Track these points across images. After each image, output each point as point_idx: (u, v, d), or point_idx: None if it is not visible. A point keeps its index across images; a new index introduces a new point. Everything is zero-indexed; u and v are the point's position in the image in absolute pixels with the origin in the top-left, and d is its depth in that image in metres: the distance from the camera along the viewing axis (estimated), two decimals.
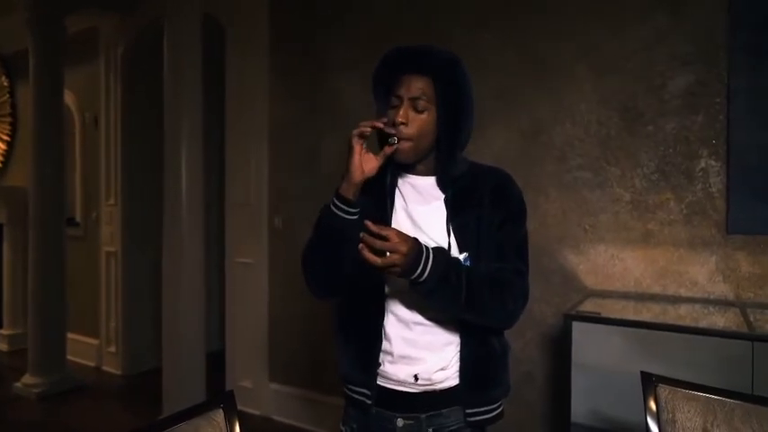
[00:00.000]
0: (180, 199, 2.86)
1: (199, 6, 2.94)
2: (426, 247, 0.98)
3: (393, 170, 1.13)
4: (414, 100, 1.05)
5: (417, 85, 1.05)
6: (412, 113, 1.05)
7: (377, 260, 0.93)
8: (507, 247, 1.09)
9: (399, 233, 0.95)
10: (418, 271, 0.95)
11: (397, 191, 1.14)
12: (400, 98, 1.06)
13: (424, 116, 1.05)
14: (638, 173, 2.06)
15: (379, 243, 0.93)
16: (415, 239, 0.97)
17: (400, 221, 1.10)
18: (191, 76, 2.90)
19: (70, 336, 3.83)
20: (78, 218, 4.32)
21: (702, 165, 1.94)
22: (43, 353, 3.55)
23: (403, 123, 1.04)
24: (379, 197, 1.12)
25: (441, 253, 1.00)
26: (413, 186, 1.13)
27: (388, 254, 0.93)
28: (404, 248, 0.93)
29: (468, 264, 1.06)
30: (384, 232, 0.94)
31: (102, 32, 4.07)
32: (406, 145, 1.06)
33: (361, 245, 0.95)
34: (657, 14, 2.02)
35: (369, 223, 0.95)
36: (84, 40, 4.09)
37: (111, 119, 4.03)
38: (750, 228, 1.85)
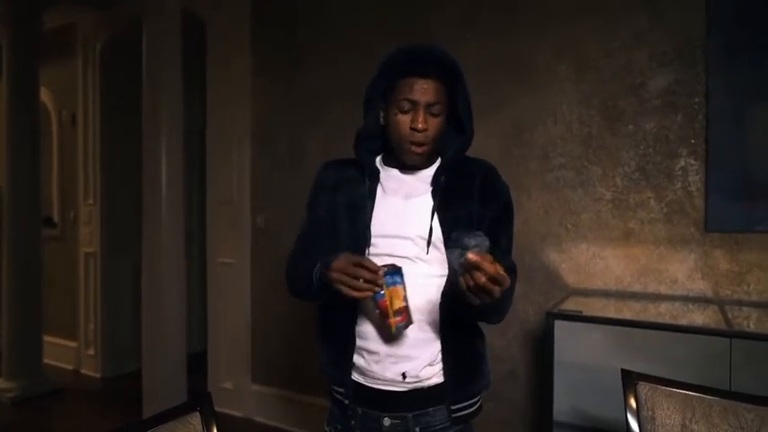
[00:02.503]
0: (160, 198, 2.81)
1: (178, 2, 2.90)
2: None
3: (372, 173, 1.12)
4: (431, 105, 1.03)
5: (434, 90, 1.03)
6: (429, 118, 1.04)
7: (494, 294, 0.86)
8: (501, 245, 1.10)
9: (492, 261, 0.85)
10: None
11: (379, 186, 1.12)
12: (415, 103, 1.03)
13: (438, 120, 1.05)
14: (619, 172, 2.08)
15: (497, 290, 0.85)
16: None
17: (382, 218, 1.09)
18: (170, 73, 2.85)
19: (47, 338, 3.74)
20: (56, 218, 4.23)
21: (682, 164, 1.97)
22: (18, 356, 3.46)
23: (425, 129, 1.03)
24: (360, 196, 1.11)
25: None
26: (397, 180, 1.12)
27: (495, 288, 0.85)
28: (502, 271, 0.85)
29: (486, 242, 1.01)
30: (499, 275, 0.84)
31: (81, 29, 3.98)
32: (423, 149, 1.06)
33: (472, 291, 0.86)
34: (637, 14, 2.04)
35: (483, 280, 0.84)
36: (61, 37, 4.01)
37: (89, 117, 3.95)
38: (728, 225, 1.88)
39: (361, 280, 0.94)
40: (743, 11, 1.85)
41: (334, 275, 0.97)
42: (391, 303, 0.95)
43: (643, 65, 2.03)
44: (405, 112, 1.04)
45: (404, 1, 2.58)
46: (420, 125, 1.02)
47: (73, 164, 4.06)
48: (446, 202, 1.08)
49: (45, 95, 4.07)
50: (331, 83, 2.75)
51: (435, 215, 1.06)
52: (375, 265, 0.95)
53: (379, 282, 0.94)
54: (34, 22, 3.50)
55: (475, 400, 1.13)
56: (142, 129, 2.90)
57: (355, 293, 0.95)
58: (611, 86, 2.09)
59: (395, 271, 0.96)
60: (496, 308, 1.00)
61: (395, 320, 0.96)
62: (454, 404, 1.09)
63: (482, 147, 2.35)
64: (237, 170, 3.13)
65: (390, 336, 1.04)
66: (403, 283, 0.96)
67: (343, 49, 2.72)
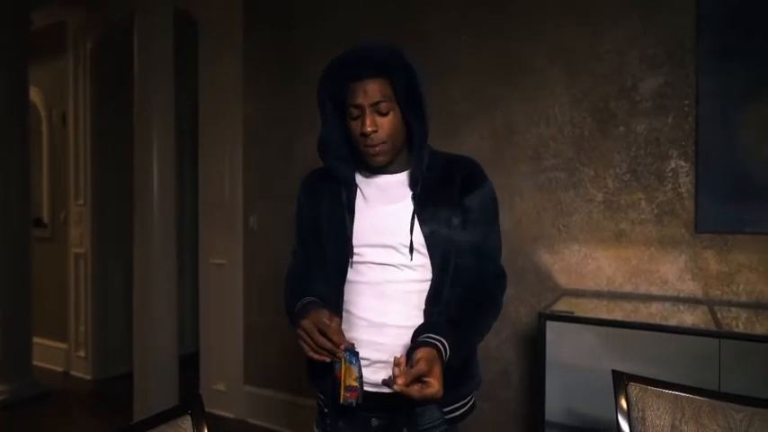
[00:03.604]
0: (151, 199, 2.80)
1: (170, 1, 2.88)
2: (434, 338, 0.96)
3: (347, 183, 1.11)
4: (375, 105, 1.02)
5: (374, 89, 1.02)
6: (378, 118, 1.03)
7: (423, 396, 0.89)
8: (486, 247, 1.10)
9: (426, 361, 0.89)
10: (445, 359, 0.95)
11: (359, 194, 1.11)
12: (360, 107, 1.02)
13: (389, 117, 1.03)
14: (610, 173, 2.09)
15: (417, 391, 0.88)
16: (428, 346, 0.93)
17: (365, 228, 1.08)
18: (162, 73, 2.84)
19: (36, 340, 3.70)
20: (45, 218, 4.19)
21: (672, 165, 1.98)
22: (7, 358, 3.42)
23: (374, 131, 1.02)
24: (341, 200, 1.10)
25: (440, 328, 1.00)
26: (377, 186, 1.11)
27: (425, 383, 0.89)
28: (437, 367, 0.90)
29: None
30: (426, 378, 0.89)
31: (71, 27, 3.95)
32: (381, 148, 1.04)
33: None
34: (628, 17, 2.05)
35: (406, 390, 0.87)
36: (50, 35, 3.97)
37: (79, 116, 3.92)
38: (717, 226, 1.89)
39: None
40: (732, 14, 1.87)
41: (300, 332, 0.99)
42: (344, 378, 0.97)
43: (634, 67, 2.04)
44: (355, 119, 1.04)
45: (397, 3, 2.58)
46: (368, 128, 1.01)
47: (63, 164, 4.03)
48: (427, 205, 1.06)
49: (35, 95, 4.03)
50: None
51: (419, 221, 1.06)
52: (339, 337, 0.96)
53: (339, 355, 0.96)
54: (23, 20, 3.47)
55: (466, 400, 1.14)
56: (133, 128, 2.88)
57: (315, 356, 0.98)
58: (603, 88, 2.10)
59: (352, 353, 0.98)
60: (471, 348, 1.09)
61: (345, 394, 0.97)
62: (446, 406, 1.09)
63: (474, 148, 2.36)
64: (229, 171, 3.12)
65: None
66: (358, 365, 0.98)
67: (336, 50, 2.69)
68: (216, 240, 3.18)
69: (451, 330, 1.00)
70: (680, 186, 1.97)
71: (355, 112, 1.03)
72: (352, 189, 1.11)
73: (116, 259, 3.86)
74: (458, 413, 1.11)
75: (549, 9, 2.20)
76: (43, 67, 4.00)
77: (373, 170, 1.11)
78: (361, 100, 1.02)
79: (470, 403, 1.15)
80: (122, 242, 3.62)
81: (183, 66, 3.04)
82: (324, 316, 0.98)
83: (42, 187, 4.17)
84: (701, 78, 1.91)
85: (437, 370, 0.90)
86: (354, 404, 0.99)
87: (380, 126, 1.03)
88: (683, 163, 1.96)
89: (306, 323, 0.98)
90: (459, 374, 1.10)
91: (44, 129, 4.19)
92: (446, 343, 0.96)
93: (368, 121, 1.02)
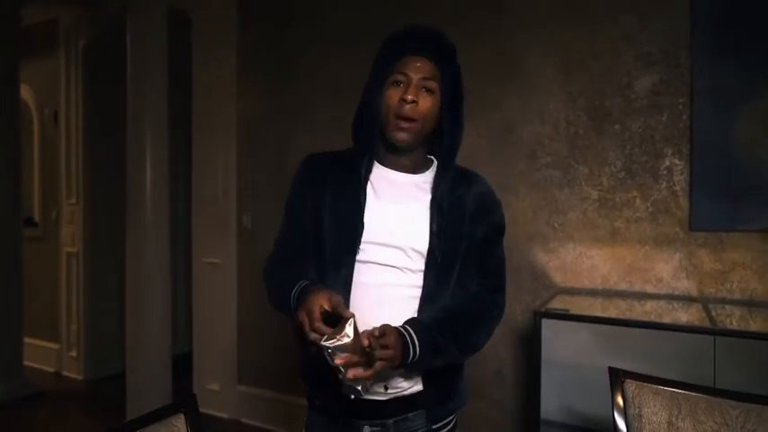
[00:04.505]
0: (144, 197, 2.77)
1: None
2: (403, 327, 0.93)
3: (368, 161, 1.06)
4: (424, 80, 1.00)
5: (427, 67, 1.01)
6: (421, 93, 1.00)
7: (370, 373, 0.85)
8: (490, 264, 1.09)
9: (387, 331, 0.87)
10: (411, 353, 0.91)
11: (369, 186, 1.05)
12: (407, 76, 1.00)
13: (431, 99, 1.01)
14: (605, 171, 2.09)
15: (379, 354, 0.85)
16: (390, 327, 0.90)
17: (373, 223, 1.02)
18: (156, 71, 2.82)
19: (27, 340, 3.66)
20: (37, 217, 4.15)
21: (667, 163, 1.99)
22: None
23: (414, 101, 0.99)
24: (350, 192, 1.04)
25: (417, 323, 0.96)
26: (389, 182, 1.06)
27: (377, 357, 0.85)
28: (392, 339, 0.87)
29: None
30: (382, 341, 0.85)
31: (62, 24, 3.91)
32: (411, 125, 1.00)
33: (347, 373, 0.84)
34: (624, 15, 2.05)
35: (366, 342, 0.84)
36: (42, 33, 3.93)
37: (71, 114, 3.87)
38: (712, 224, 1.90)
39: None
40: (727, 13, 1.88)
41: (301, 316, 0.89)
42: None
43: (629, 65, 2.04)
44: (397, 85, 1.01)
45: (394, 1, 2.57)
46: (409, 96, 0.99)
47: (55, 162, 3.99)
48: (440, 212, 1.03)
49: (26, 93, 3.99)
50: (318, 83, 2.74)
51: (432, 226, 1.02)
52: (345, 311, 0.88)
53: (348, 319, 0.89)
54: (13, 16, 3.43)
55: (451, 417, 1.11)
56: (126, 127, 2.85)
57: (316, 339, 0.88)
58: (598, 87, 2.10)
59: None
60: (447, 359, 1.01)
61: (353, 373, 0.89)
62: (434, 423, 1.06)
63: (471, 146, 2.36)
64: (223, 170, 3.10)
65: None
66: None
67: (330, 49, 2.70)
68: (209, 239, 3.16)
69: (430, 332, 0.96)
70: (674, 184, 1.97)
71: (401, 78, 1.01)
72: (369, 173, 1.05)
73: (108, 259, 3.82)
74: (444, 430, 1.09)
75: (545, 8, 2.20)
76: (35, 65, 3.95)
77: (386, 162, 1.07)
78: (411, 71, 1.00)
79: (454, 422, 1.12)
80: (115, 241, 3.58)
81: (177, 65, 3.02)
82: (323, 297, 0.89)
83: (33, 186, 4.12)
84: (696, 76, 1.91)
85: (394, 340, 0.88)
86: (367, 387, 0.93)
87: (421, 101, 1.00)
88: (677, 161, 1.97)
89: (306, 307, 0.89)
90: (445, 387, 1.08)
91: (35, 127, 4.14)
92: (416, 338, 0.93)
93: (411, 90, 0.99)
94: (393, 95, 1.01)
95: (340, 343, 0.83)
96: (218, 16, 3.10)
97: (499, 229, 1.12)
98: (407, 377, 1.03)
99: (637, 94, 2.03)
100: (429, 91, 1.01)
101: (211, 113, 3.13)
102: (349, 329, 0.83)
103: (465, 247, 1.05)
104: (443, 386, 1.07)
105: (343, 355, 0.84)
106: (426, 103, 1.01)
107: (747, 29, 1.85)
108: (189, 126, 3.25)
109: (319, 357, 0.86)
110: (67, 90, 3.90)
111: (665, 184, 1.99)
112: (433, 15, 2.45)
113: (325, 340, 0.83)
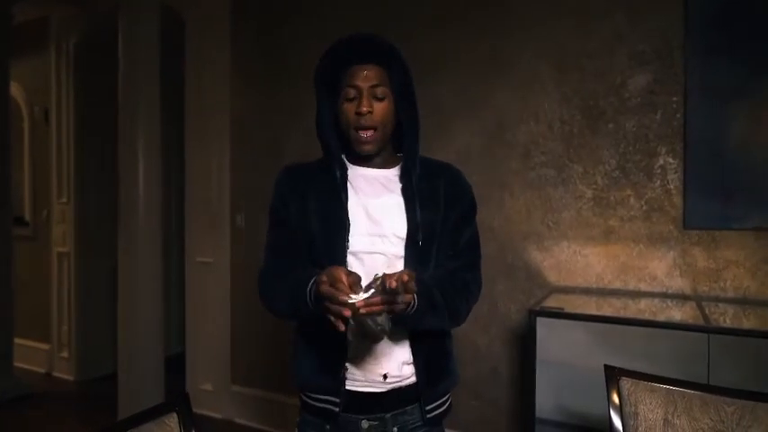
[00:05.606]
0: (136, 197, 2.75)
1: None
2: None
3: (341, 163, 1.11)
4: (373, 88, 1.05)
5: (373, 74, 1.05)
6: (374, 102, 1.05)
7: (400, 308, 0.91)
8: (463, 244, 1.13)
9: (411, 278, 0.89)
10: (411, 303, 0.94)
11: (348, 184, 1.10)
12: (357, 88, 1.04)
13: (384, 103, 1.07)
14: (599, 170, 2.10)
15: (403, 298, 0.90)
16: (413, 273, 0.91)
17: (356, 217, 1.07)
18: (148, 70, 2.79)
19: (18, 341, 3.62)
20: (27, 217, 4.10)
21: (661, 162, 1.99)
22: None
23: (369, 112, 1.04)
24: (331, 193, 1.08)
25: (418, 277, 0.97)
26: (365, 179, 1.11)
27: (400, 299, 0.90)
28: (412, 282, 0.89)
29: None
30: (407, 282, 0.87)
31: (54, 22, 3.87)
32: (373, 135, 1.05)
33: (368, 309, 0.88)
34: (617, 15, 2.06)
35: (392, 283, 0.86)
36: (33, 30, 3.89)
37: (63, 112, 3.83)
38: (705, 223, 1.91)
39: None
40: (720, 12, 1.89)
41: (326, 288, 0.90)
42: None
43: (623, 65, 2.05)
44: (351, 100, 1.05)
45: (383, 1, 2.56)
46: (364, 108, 1.03)
47: (45, 161, 3.95)
48: (414, 200, 1.08)
49: (16, 90, 3.95)
50: (311, 83, 2.71)
51: (408, 213, 1.07)
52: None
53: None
54: (4, 14, 3.39)
55: (445, 398, 1.13)
56: (118, 126, 2.83)
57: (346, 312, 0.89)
58: (592, 86, 2.10)
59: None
60: (438, 320, 1.04)
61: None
62: (427, 404, 1.08)
63: (465, 145, 2.36)
64: (216, 169, 3.08)
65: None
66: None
67: (323, 47, 2.68)
68: (202, 238, 3.13)
69: (428, 288, 1.01)
70: (668, 183, 1.98)
71: (352, 92, 1.05)
72: (345, 173, 1.10)
73: (100, 258, 3.79)
74: (438, 412, 1.11)
75: (539, 6, 2.20)
76: (25, 63, 3.91)
77: (359, 162, 1.12)
78: (360, 81, 1.04)
79: (449, 401, 1.15)
80: (107, 241, 3.55)
81: (170, 65, 2.99)
82: (342, 271, 0.91)
83: (24, 185, 4.08)
84: (690, 76, 1.92)
85: (413, 288, 0.91)
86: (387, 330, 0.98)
87: (375, 109, 1.05)
88: (671, 160, 1.97)
89: (330, 277, 0.90)
90: (437, 370, 1.10)
91: (26, 125, 4.10)
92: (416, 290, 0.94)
93: (364, 102, 1.03)
94: (349, 110, 1.05)
95: (372, 291, 0.88)
96: (211, 16, 3.08)
97: (472, 208, 1.17)
98: (404, 363, 1.06)
99: (631, 93, 2.04)
100: (380, 98, 1.05)
101: (205, 113, 3.11)
102: (377, 284, 0.88)
103: (440, 230, 1.09)
104: (434, 371, 1.10)
105: (374, 300, 0.88)
106: (381, 110, 1.05)
107: (741, 28, 1.86)
108: (182, 125, 3.22)
109: (339, 337, 0.94)
110: (58, 88, 3.86)
111: (658, 182, 2.00)
112: (425, 14, 2.45)
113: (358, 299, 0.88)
